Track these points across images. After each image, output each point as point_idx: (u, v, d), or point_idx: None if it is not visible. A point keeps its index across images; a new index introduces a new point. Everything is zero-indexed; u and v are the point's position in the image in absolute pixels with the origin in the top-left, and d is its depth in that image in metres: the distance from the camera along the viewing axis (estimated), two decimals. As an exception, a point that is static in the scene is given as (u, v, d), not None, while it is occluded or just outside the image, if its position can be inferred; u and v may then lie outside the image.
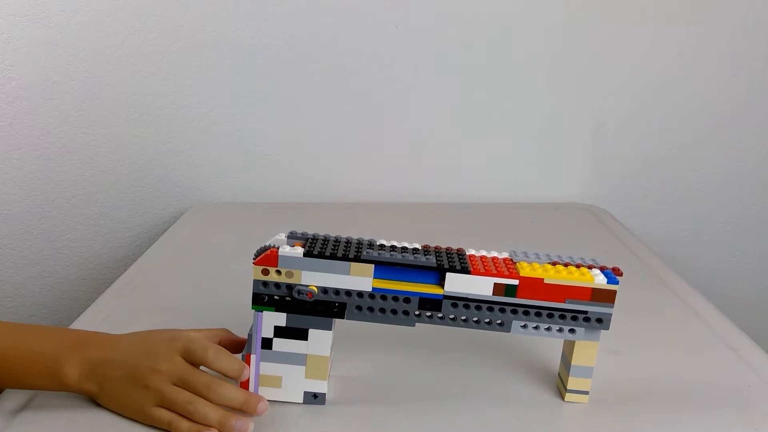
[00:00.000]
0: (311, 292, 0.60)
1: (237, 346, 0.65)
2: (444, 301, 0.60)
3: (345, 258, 0.59)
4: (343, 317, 0.61)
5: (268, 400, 0.62)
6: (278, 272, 0.60)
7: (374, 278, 0.60)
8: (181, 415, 0.57)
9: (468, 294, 0.60)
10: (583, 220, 1.20)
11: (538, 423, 0.62)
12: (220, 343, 0.64)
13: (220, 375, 0.59)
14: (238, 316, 0.68)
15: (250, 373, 0.61)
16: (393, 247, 0.63)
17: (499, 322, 0.62)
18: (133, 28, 1.16)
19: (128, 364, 0.58)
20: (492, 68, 1.21)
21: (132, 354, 0.59)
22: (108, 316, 0.79)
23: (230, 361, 0.59)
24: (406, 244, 0.64)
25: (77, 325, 0.76)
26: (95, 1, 1.14)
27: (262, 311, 0.61)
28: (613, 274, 0.61)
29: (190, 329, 0.64)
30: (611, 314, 0.61)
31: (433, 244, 0.65)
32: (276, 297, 0.60)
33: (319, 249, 0.60)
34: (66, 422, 0.59)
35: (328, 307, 0.61)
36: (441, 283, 0.60)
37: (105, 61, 1.17)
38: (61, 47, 1.16)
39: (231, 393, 0.58)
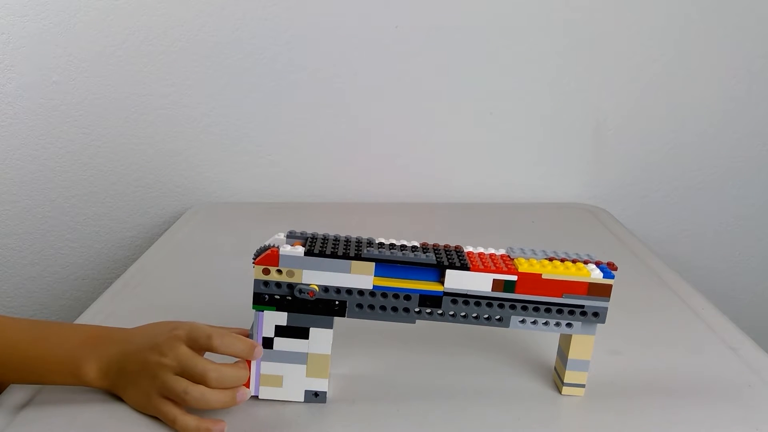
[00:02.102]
0: (312, 291, 0.60)
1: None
2: (444, 297, 0.61)
3: (346, 256, 0.60)
4: (344, 315, 0.61)
5: (269, 400, 0.62)
6: (279, 272, 0.60)
7: (375, 276, 0.60)
8: (184, 408, 0.58)
9: (468, 290, 0.61)
10: (583, 220, 1.20)
11: (538, 417, 0.62)
12: None
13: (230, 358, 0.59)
14: (239, 315, 0.68)
15: (251, 372, 0.61)
16: (392, 245, 0.63)
17: (498, 317, 0.62)
18: (133, 28, 1.16)
19: (139, 359, 0.59)
20: (492, 68, 1.21)
21: (142, 347, 0.59)
22: (108, 316, 0.79)
23: (238, 343, 0.59)
24: (405, 242, 0.64)
25: (77, 324, 0.76)
26: (95, 1, 1.15)
27: (262, 311, 0.61)
28: (608, 269, 0.62)
29: (204, 325, 0.63)
30: (607, 308, 0.62)
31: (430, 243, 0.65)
32: (277, 296, 0.60)
33: (320, 248, 0.60)
34: (69, 419, 0.60)
35: (329, 306, 0.61)
36: (441, 280, 0.61)
37: (105, 61, 1.18)
38: (61, 47, 1.16)
39: (228, 374, 0.58)
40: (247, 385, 0.61)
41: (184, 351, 0.58)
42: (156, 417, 0.59)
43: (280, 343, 0.61)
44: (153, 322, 0.63)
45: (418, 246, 0.64)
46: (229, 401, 0.58)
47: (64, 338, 0.61)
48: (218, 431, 0.57)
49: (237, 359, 0.60)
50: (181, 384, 0.57)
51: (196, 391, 0.57)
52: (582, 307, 0.62)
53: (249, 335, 0.62)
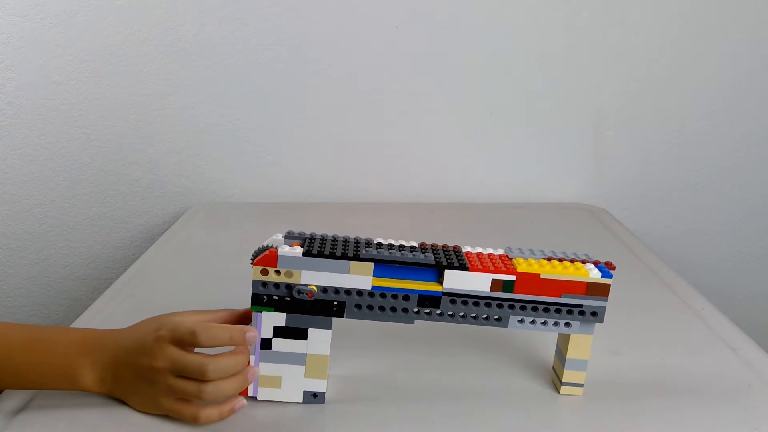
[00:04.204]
0: (311, 292, 0.60)
1: (243, 318, 0.63)
2: (443, 297, 0.61)
3: (344, 257, 0.59)
4: (342, 316, 0.61)
5: (268, 401, 0.62)
6: (277, 272, 0.60)
7: (373, 276, 0.60)
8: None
9: (466, 290, 0.61)
10: (583, 220, 1.20)
11: (537, 417, 0.62)
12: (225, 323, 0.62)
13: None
14: (238, 315, 0.68)
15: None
16: (391, 246, 0.63)
17: (496, 317, 0.62)
18: (133, 28, 1.16)
19: (132, 364, 0.59)
20: (492, 68, 1.21)
21: (133, 352, 0.59)
22: (108, 316, 0.79)
23: (223, 333, 0.58)
24: (404, 243, 0.64)
25: (77, 325, 0.76)
26: (95, 1, 1.15)
27: (261, 311, 0.61)
28: (606, 269, 0.62)
29: (190, 311, 0.62)
30: (605, 307, 0.62)
31: (430, 243, 0.65)
32: (275, 297, 0.60)
33: (318, 248, 0.60)
34: (66, 423, 0.59)
35: (327, 306, 0.61)
36: (440, 280, 0.61)
37: (105, 61, 1.18)
38: (61, 47, 1.16)
39: (224, 363, 0.58)
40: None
41: (173, 351, 0.57)
42: (149, 415, 0.60)
43: (279, 344, 0.61)
44: (140, 321, 0.62)
45: (417, 246, 0.64)
46: (242, 384, 0.59)
47: (57, 344, 0.61)
48: (240, 407, 0.59)
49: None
50: (191, 386, 0.57)
51: (210, 386, 0.57)
52: (580, 306, 0.62)
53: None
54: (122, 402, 0.61)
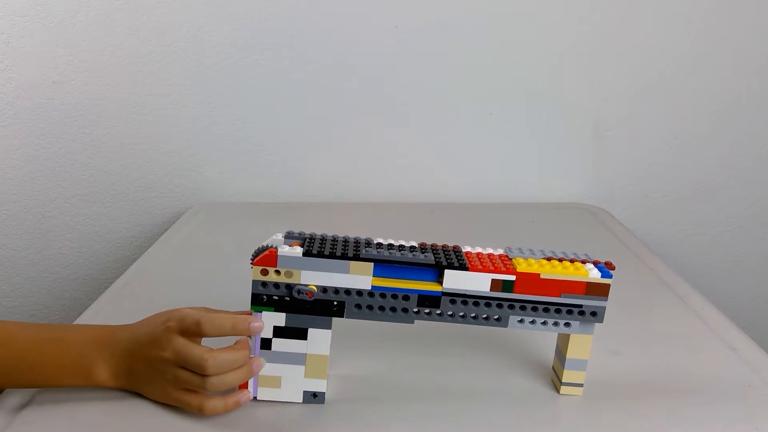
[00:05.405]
0: (311, 291, 0.60)
1: None
2: (443, 297, 0.61)
3: (344, 257, 0.59)
4: (342, 316, 0.61)
5: (268, 401, 0.62)
6: (277, 272, 0.60)
7: (373, 276, 0.60)
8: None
9: (466, 290, 0.61)
10: (583, 220, 1.20)
11: (536, 417, 0.62)
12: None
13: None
14: (238, 315, 0.68)
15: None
16: (391, 246, 0.63)
17: (496, 317, 0.62)
18: (133, 28, 1.16)
19: (144, 356, 0.60)
20: (492, 68, 1.21)
21: (145, 344, 0.60)
22: (108, 316, 0.79)
23: (226, 322, 0.59)
24: (404, 243, 0.64)
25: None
26: (95, 1, 1.15)
27: (261, 311, 0.61)
28: (606, 269, 0.62)
29: (201, 308, 0.63)
30: (605, 307, 0.62)
31: (430, 243, 0.65)
32: (275, 297, 0.60)
33: (318, 248, 0.60)
34: (68, 419, 0.60)
35: (327, 306, 0.61)
36: (439, 280, 0.61)
37: (105, 61, 1.18)
38: (61, 47, 1.16)
39: (224, 358, 0.58)
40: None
41: (180, 342, 0.58)
42: (149, 411, 0.60)
43: (279, 344, 0.61)
44: (151, 315, 0.63)
45: (417, 246, 0.64)
46: (247, 375, 0.60)
47: (70, 342, 0.62)
48: (246, 400, 0.60)
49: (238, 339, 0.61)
50: (196, 379, 0.58)
51: (214, 378, 0.58)
52: (580, 306, 0.62)
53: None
54: (123, 398, 0.62)
